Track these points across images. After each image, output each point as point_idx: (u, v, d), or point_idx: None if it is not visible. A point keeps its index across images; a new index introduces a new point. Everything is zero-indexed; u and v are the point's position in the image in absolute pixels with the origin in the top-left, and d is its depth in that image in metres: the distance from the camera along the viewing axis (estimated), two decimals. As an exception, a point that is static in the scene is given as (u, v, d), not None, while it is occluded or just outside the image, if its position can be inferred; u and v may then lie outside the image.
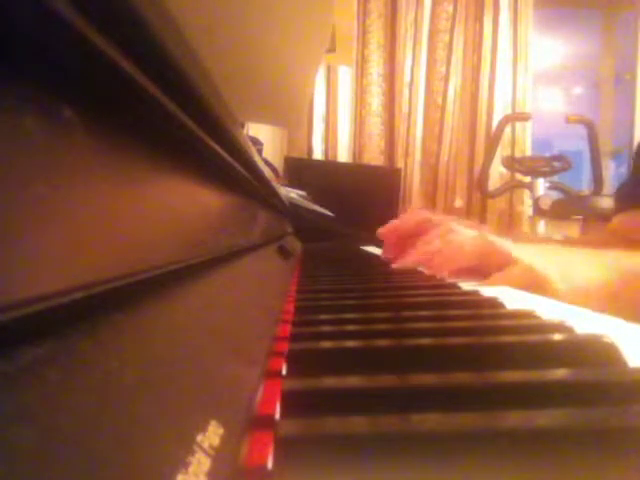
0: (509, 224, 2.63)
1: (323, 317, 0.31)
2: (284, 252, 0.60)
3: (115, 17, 0.11)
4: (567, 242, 0.79)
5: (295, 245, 0.94)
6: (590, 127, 2.31)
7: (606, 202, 2.04)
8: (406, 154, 2.59)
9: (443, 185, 2.61)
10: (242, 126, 0.86)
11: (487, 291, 0.41)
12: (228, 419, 0.13)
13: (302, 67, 0.60)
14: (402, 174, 2.50)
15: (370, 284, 0.50)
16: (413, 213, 0.66)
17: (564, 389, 0.18)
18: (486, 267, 0.52)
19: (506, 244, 0.54)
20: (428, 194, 2.63)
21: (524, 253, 0.52)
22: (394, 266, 0.60)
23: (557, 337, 0.24)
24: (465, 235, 0.55)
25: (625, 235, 0.68)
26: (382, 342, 0.24)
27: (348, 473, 0.14)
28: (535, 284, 0.48)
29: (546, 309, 0.32)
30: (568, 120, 2.35)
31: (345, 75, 2.58)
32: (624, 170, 2.91)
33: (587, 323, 0.28)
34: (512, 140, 2.61)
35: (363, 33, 2.62)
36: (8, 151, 0.09)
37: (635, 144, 0.83)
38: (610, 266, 0.52)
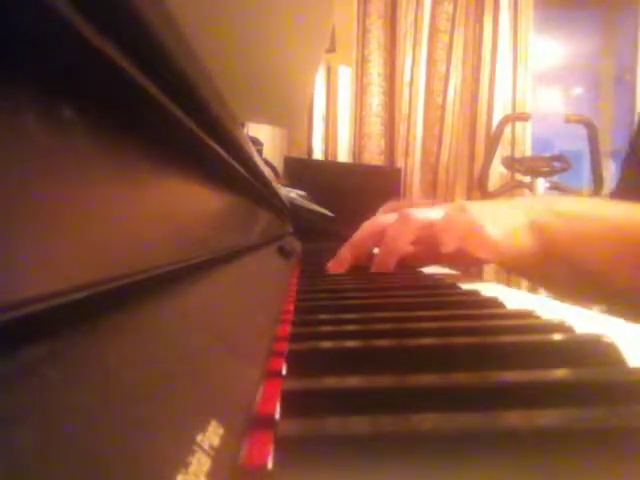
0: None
1: (323, 317, 0.31)
2: (284, 252, 0.60)
3: (115, 17, 0.11)
4: None
5: (295, 245, 0.94)
6: (590, 127, 2.31)
7: (606, 202, 2.04)
8: (406, 154, 2.59)
9: (443, 185, 2.61)
10: (242, 126, 0.86)
11: (487, 291, 0.41)
12: (228, 419, 0.13)
13: (302, 67, 0.60)
14: (402, 174, 2.50)
15: (370, 284, 0.50)
16: (370, 225, 0.61)
17: (564, 389, 0.18)
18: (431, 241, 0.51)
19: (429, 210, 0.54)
20: (428, 194, 2.62)
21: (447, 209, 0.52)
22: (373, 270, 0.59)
23: (557, 337, 0.24)
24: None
25: None
26: (382, 342, 0.24)
27: (348, 473, 0.14)
28: (465, 235, 0.48)
29: (546, 309, 0.32)
30: (568, 120, 2.35)
31: (345, 75, 2.58)
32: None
33: (587, 323, 0.28)
34: (512, 140, 2.61)
35: (363, 33, 2.62)
36: (8, 151, 0.09)
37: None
38: (545, 209, 0.52)
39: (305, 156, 2.41)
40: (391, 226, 0.55)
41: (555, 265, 0.49)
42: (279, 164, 1.83)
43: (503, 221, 0.50)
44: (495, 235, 0.48)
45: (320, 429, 0.15)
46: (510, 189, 2.54)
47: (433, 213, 0.54)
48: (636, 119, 2.71)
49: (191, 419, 0.12)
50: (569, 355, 0.21)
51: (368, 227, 0.60)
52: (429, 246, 0.53)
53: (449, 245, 0.49)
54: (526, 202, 0.57)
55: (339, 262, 0.60)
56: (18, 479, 0.07)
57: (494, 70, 2.60)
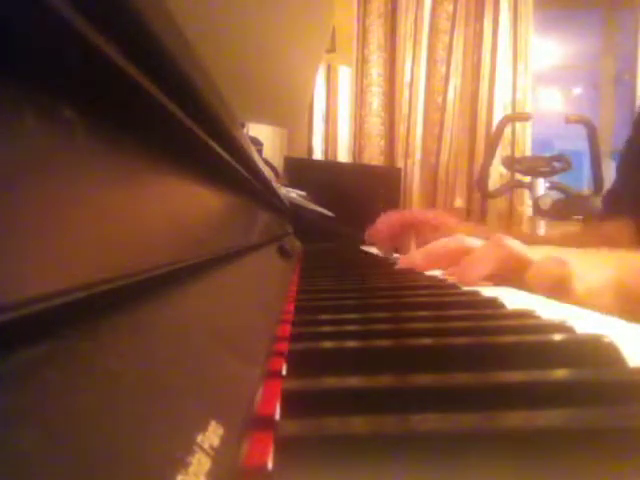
0: (509, 224, 2.63)
1: (323, 317, 0.31)
2: (284, 252, 0.60)
3: (115, 17, 0.11)
4: (565, 239, 0.79)
5: (295, 245, 0.94)
6: (590, 127, 2.31)
7: (606, 202, 2.04)
8: (406, 154, 2.59)
9: (443, 185, 2.61)
10: (242, 126, 0.86)
11: (487, 291, 0.41)
12: (228, 419, 0.13)
13: (302, 67, 0.60)
14: (402, 174, 2.50)
15: (370, 284, 0.50)
16: (451, 240, 0.60)
17: (564, 389, 0.18)
18: (505, 272, 0.51)
19: (522, 247, 0.53)
20: (428, 194, 2.63)
21: (538, 255, 0.51)
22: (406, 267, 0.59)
23: (557, 337, 0.24)
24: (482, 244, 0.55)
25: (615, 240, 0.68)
26: (382, 342, 0.24)
27: (348, 473, 0.14)
28: (554, 286, 0.48)
29: (546, 309, 0.32)
30: (568, 120, 2.35)
31: (345, 75, 2.58)
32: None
33: (587, 323, 0.28)
34: (512, 140, 2.61)
35: (363, 33, 2.62)
36: (8, 151, 0.09)
37: None
38: (620, 264, 0.52)
39: (305, 156, 2.41)
40: (481, 249, 0.54)
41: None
42: (279, 164, 1.83)
43: (590, 276, 0.50)
44: (579, 291, 0.48)
45: (320, 429, 0.15)
46: (510, 189, 2.54)
47: (526, 250, 0.53)
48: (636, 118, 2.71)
49: (191, 419, 0.12)
50: (569, 355, 0.21)
51: (451, 244, 0.59)
52: (506, 274, 0.53)
53: (537, 292, 0.48)
54: (617, 259, 0.56)
55: (410, 264, 0.61)
56: (18, 479, 0.07)
57: (494, 70, 2.60)
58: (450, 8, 2.60)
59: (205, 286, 0.23)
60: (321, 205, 1.37)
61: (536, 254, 0.52)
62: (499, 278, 0.51)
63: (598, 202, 2.15)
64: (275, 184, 0.66)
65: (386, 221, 0.81)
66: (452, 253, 0.56)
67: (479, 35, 2.62)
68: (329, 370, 0.21)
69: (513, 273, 0.51)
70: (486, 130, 2.60)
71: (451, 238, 0.60)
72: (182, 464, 0.10)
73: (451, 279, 0.51)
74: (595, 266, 0.52)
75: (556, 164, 2.31)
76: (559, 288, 0.47)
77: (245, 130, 1.09)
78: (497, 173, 2.56)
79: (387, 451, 0.14)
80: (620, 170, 0.83)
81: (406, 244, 0.87)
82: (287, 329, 0.27)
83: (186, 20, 0.17)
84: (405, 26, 2.59)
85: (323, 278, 0.55)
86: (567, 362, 0.21)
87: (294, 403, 0.17)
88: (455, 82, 2.61)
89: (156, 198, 0.19)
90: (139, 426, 0.10)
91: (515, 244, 0.53)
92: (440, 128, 2.61)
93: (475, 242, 0.56)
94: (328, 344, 0.24)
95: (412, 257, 0.62)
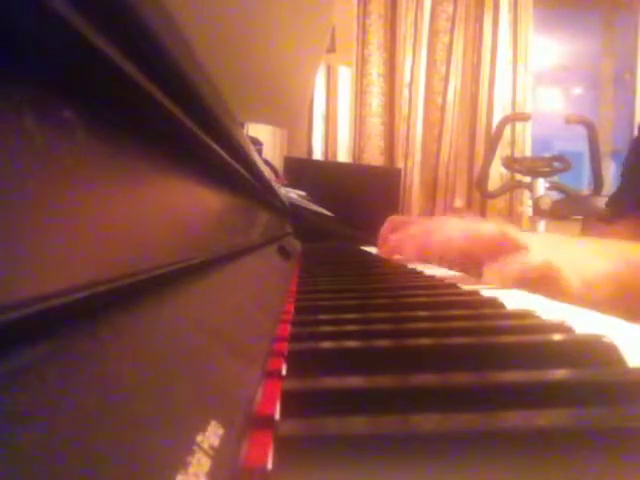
0: (509, 224, 2.63)
1: (323, 317, 0.31)
2: (284, 252, 0.60)
3: (115, 17, 0.11)
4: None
5: (295, 245, 0.94)
6: (590, 127, 2.31)
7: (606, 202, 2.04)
8: (406, 154, 2.59)
9: (443, 185, 2.61)
10: (242, 126, 0.86)
11: (487, 291, 0.41)
12: (228, 419, 0.13)
13: (302, 67, 0.60)
14: (402, 174, 2.50)
15: (370, 284, 0.50)
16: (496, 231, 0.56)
17: (564, 389, 0.18)
18: (492, 253, 0.49)
19: (519, 232, 0.52)
20: (428, 194, 2.63)
21: (533, 243, 0.50)
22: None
23: (557, 337, 0.24)
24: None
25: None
26: (382, 342, 0.24)
27: (348, 473, 0.14)
28: (548, 279, 0.47)
29: (546, 309, 0.32)
30: (568, 120, 2.35)
31: (345, 75, 2.58)
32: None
33: (587, 323, 0.28)
34: (512, 140, 2.61)
35: (363, 33, 2.62)
36: (8, 151, 0.09)
37: None
38: (618, 257, 0.51)
39: (305, 156, 2.41)
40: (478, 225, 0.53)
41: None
42: (279, 164, 1.83)
43: (581, 266, 0.49)
44: (573, 285, 0.47)
45: (320, 429, 0.15)
46: (510, 189, 2.54)
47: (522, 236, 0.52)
48: (637, 119, 2.71)
49: (191, 419, 0.12)
50: (569, 355, 0.21)
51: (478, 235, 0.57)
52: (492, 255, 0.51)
53: (515, 286, 0.46)
54: (601, 247, 0.55)
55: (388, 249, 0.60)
56: (18, 479, 0.07)
57: (494, 70, 2.60)
58: (450, 8, 2.60)
59: (205, 286, 0.23)
60: (321, 205, 1.37)
61: (533, 241, 0.50)
62: (476, 261, 0.50)
63: (598, 202, 2.15)
64: (275, 184, 0.66)
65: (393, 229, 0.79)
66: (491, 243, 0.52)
67: (479, 35, 2.62)
68: (329, 370, 0.21)
69: (500, 255, 0.49)
70: (486, 130, 2.60)
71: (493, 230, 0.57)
72: (182, 464, 0.10)
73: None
74: (592, 256, 0.51)
75: (556, 164, 2.31)
76: (545, 282, 0.46)
77: (245, 130, 1.09)
78: (497, 173, 2.56)
79: (387, 451, 0.14)
80: (626, 173, 0.82)
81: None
82: (287, 329, 0.27)
83: (186, 20, 0.17)
84: (405, 26, 2.59)
85: (323, 278, 0.55)
86: (567, 362, 0.21)
87: (294, 403, 0.17)
88: (455, 82, 2.61)
89: (155, 198, 0.19)
90: (139, 426, 0.10)
91: (511, 227, 0.51)
92: (440, 128, 2.61)
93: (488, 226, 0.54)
94: (328, 344, 0.24)
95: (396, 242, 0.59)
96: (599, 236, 0.72)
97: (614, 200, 0.82)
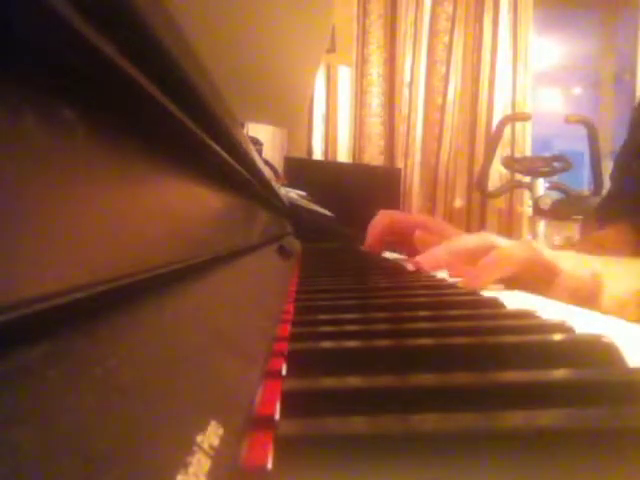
0: (509, 224, 2.63)
1: (323, 317, 0.31)
2: (284, 252, 0.60)
3: (115, 17, 0.11)
4: (567, 246, 0.79)
5: (295, 245, 0.94)
6: (590, 127, 2.31)
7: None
8: (406, 154, 2.59)
9: (443, 185, 2.61)
10: (242, 126, 0.86)
11: (486, 291, 0.41)
12: (228, 419, 0.13)
13: (302, 67, 0.60)
14: (402, 174, 2.50)
15: (370, 284, 0.50)
16: (480, 236, 0.57)
17: (564, 389, 0.18)
18: (530, 277, 0.49)
19: (551, 254, 0.52)
20: (428, 194, 2.63)
21: (568, 264, 0.50)
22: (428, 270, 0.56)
23: (557, 337, 0.24)
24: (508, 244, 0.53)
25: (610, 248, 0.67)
26: (382, 342, 0.24)
27: (348, 473, 0.14)
28: (584, 297, 0.47)
29: (546, 309, 0.32)
30: (568, 120, 2.35)
31: (345, 75, 2.58)
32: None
33: (587, 323, 0.28)
34: (512, 140, 2.61)
35: (363, 33, 2.62)
36: (8, 151, 0.09)
37: None
38: None
39: (305, 156, 2.41)
40: (506, 249, 0.52)
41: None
42: (279, 164, 1.83)
43: (615, 286, 0.50)
44: (605, 301, 0.48)
45: (320, 429, 0.15)
46: (510, 189, 2.54)
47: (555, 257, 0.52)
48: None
49: (191, 419, 0.12)
50: (569, 355, 0.21)
51: (477, 241, 0.56)
52: (530, 279, 0.51)
53: (564, 301, 0.47)
54: (631, 265, 0.56)
55: (433, 262, 0.57)
56: (18, 479, 0.07)
57: (494, 70, 2.60)
58: (450, 8, 2.60)
59: (205, 286, 0.23)
60: (321, 205, 1.37)
61: (566, 262, 0.51)
62: (520, 283, 0.48)
63: (598, 202, 2.15)
64: (275, 184, 0.66)
65: (379, 222, 0.81)
66: (481, 251, 0.52)
67: (479, 35, 2.62)
68: (329, 370, 0.21)
69: (538, 280, 0.49)
70: (486, 130, 2.60)
71: (477, 235, 0.58)
72: (182, 464, 0.10)
73: (464, 281, 0.47)
74: (621, 275, 0.52)
75: (556, 164, 2.31)
76: (588, 298, 0.47)
77: (245, 130, 1.09)
78: (497, 173, 2.56)
79: (387, 451, 0.14)
80: (615, 175, 0.82)
81: (401, 247, 0.87)
82: (287, 329, 0.27)
83: (186, 20, 0.17)
84: (405, 26, 2.59)
85: (323, 278, 0.55)
86: (567, 362, 0.21)
87: (294, 403, 0.17)
88: (455, 82, 2.61)
89: (155, 198, 0.19)
90: (139, 426, 0.10)
91: (544, 250, 0.51)
92: (440, 128, 2.61)
93: (503, 241, 0.54)
94: (328, 344, 0.24)
95: (435, 255, 0.57)
96: (596, 243, 0.72)
97: (603, 206, 0.82)
